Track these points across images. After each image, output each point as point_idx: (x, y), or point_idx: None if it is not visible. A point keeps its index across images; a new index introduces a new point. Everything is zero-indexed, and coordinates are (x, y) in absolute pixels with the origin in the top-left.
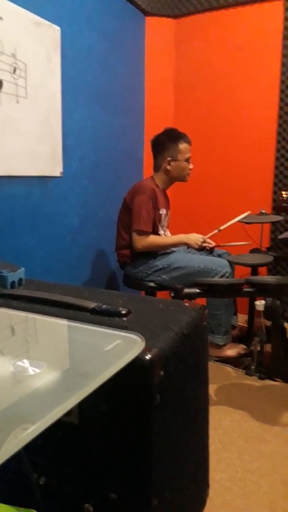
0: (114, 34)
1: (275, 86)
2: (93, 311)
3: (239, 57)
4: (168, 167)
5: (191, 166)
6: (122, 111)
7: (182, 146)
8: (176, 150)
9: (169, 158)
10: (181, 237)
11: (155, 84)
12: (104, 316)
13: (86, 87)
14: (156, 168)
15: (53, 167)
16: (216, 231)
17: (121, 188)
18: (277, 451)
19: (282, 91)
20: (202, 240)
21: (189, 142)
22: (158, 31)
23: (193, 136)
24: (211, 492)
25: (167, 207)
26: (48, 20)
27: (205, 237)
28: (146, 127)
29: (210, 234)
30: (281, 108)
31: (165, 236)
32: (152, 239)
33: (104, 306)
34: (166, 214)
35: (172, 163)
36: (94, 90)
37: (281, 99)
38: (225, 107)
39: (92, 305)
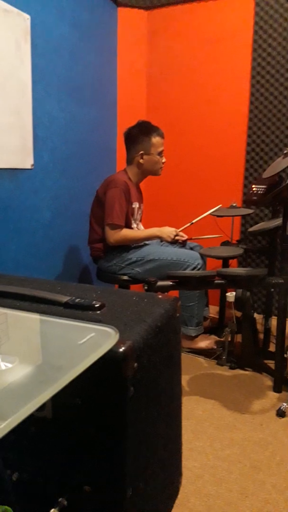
0: (86, 24)
1: (246, 81)
2: (66, 305)
3: (211, 51)
4: (141, 161)
5: (163, 160)
6: (94, 103)
7: (155, 139)
8: (149, 143)
9: (141, 152)
10: (154, 231)
11: (128, 76)
12: (78, 310)
13: (57, 78)
14: (129, 161)
15: (24, 159)
16: (188, 224)
17: (94, 181)
18: (247, 438)
19: (252, 86)
20: (174, 233)
21: (162, 136)
22: (131, 22)
23: (165, 129)
24: (184, 480)
25: (140, 201)
26: (18, 7)
27: (178, 230)
28: (118, 120)
29: (182, 228)
30: (251, 102)
31: (138, 230)
32: (125, 232)
33: (77, 300)
34: (139, 208)
35: (145, 157)
36: (66, 81)
37: (252, 94)
38: (197, 101)
39: (65, 299)
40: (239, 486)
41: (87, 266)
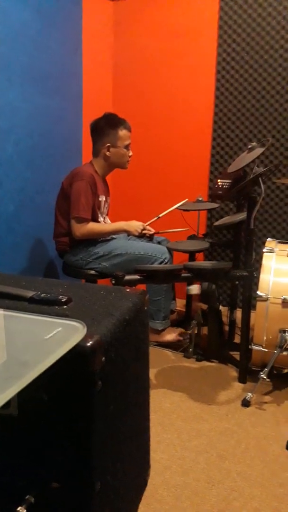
0: (50, 12)
1: (211, 75)
2: (31, 300)
3: (177, 44)
4: (107, 153)
5: (130, 153)
6: (59, 94)
7: (122, 132)
8: (116, 136)
9: (108, 144)
10: (121, 224)
11: (93, 67)
12: (43, 305)
13: (20, 67)
14: (95, 154)
15: None
16: (155, 218)
17: (59, 174)
18: (213, 428)
19: (217, 80)
20: (142, 227)
21: (128, 129)
22: (96, 11)
23: (131, 122)
24: (152, 472)
25: (107, 194)
26: None
27: (145, 224)
28: (84, 111)
29: (149, 222)
30: (217, 97)
31: (105, 223)
32: (92, 226)
33: (42, 295)
34: (106, 201)
35: (112, 150)
36: (29, 70)
37: (217, 88)
38: (163, 94)
39: (30, 294)
40: (206, 476)
41: (52, 261)
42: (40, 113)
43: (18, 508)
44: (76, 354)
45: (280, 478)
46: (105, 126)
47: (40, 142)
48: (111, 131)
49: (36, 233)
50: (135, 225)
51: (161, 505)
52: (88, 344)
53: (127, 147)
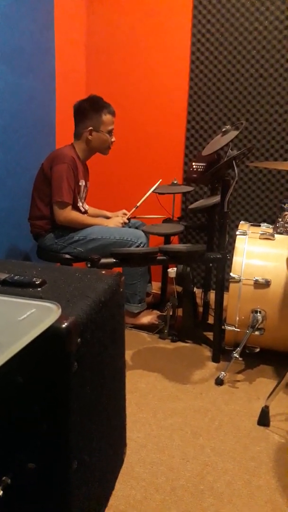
0: None
1: (185, 56)
2: (4, 282)
3: (151, 24)
4: (89, 137)
5: (113, 139)
6: (30, 72)
7: (106, 117)
8: (99, 120)
9: (90, 128)
10: (103, 222)
11: (66, 46)
12: (17, 287)
13: None
14: (77, 136)
15: None
16: (134, 208)
17: (32, 156)
18: (188, 407)
19: (192, 62)
20: (122, 221)
21: (113, 114)
22: None
23: None
24: (128, 450)
25: (86, 179)
26: None
27: (125, 218)
28: (57, 92)
29: (130, 213)
30: (191, 79)
31: (89, 217)
32: (77, 216)
33: (16, 277)
34: (85, 186)
35: (94, 133)
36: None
37: (191, 70)
38: (137, 75)
39: (3, 276)
40: (180, 452)
41: (26, 244)
42: (11, 91)
43: None
44: (51, 336)
45: (252, 452)
46: (89, 109)
47: (12, 122)
48: (95, 114)
49: (8, 216)
50: (116, 221)
51: (137, 481)
52: (64, 325)
53: (110, 132)
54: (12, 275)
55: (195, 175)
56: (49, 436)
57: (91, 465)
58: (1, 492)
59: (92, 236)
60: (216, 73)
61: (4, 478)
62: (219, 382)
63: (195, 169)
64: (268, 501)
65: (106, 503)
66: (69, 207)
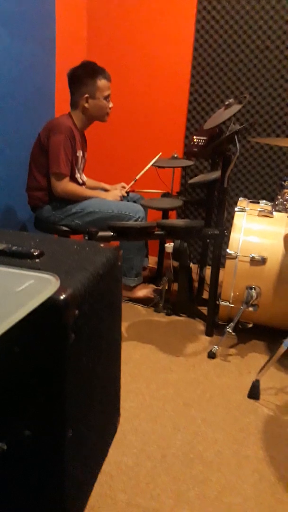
0: None
1: (190, 27)
2: (2, 253)
3: None
4: (86, 105)
5: (110, 104)
6: (30, 37)
7: (101, 82)
8: (94, 86)
9: (86, 95)
10: (101, 195)
11: (66, 10)
12: (15, 258)
13: None
14: (73, 105)
15: None
16: (133, 181)
17: (30, 125)
18: (181, 378)
19: (197, 31)
20: (120, 194)
21: (108, 79)
22: None
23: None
24: (122, 419)
25: (84, 149)
26: None
27: (124, 191)
28: (57, 59)
29: (128, 186)
30: (195, 49)
31: (87, 190)
32: (74, 187)
33: (14, 248)
34: (83, 156)
35: (90, 101)
36: None
37: (196, 40)
38: (139, 43)
39: (0, 246)
40: (172, 422)
41: (23, 215)
42: (11, 57)
43: None
44: (49, 307)
45: (241, 423)
46: (83, 76)
47: (10, 90)
48: (90, 81)
49: (6, 186)
50: (114, 194)
51: (130, 449)
52: (62, 297)
53: (106, 98)
54: (10, 245)
55: (195, 149)
56: (45, 405)
57: (85, 433)
58: None
59: (90, 209)
60: (221, 44)
61: (0, 444)
62: (212, 355)
63: (196, 143)
64: (255, 470)
65: (99, 469)
66: (67, 179)
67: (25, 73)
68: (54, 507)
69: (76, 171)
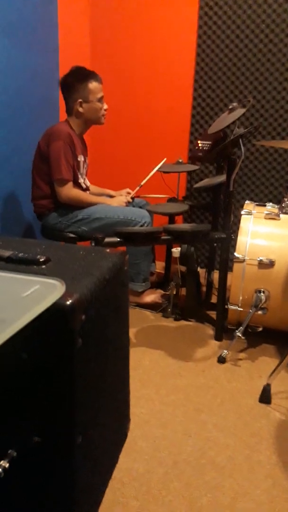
0: None
1: (192, 30)
2: (8, 259)
3: None
4: (80, 109)
5: (105, 106)
6: (34, 47)
7: (92, 85)
8: (86, 90)
9: (80, 100)
10: (106, 201)
11: (69, 18)
12: (21, 265)
13: None
14: (69, 112)
15: None
16: (138, 187)
17: (35, 133)
18: (190, 383)
19: (199, 36)
20: (125, 200)
21: (99, 81)
22: None
23: (110, 78)
24: (132, 425)
25: (85, 154)
26: None
27: (129, 197)
28: (60, 67)
29: (133, 192)
30: (198, 54)
31: (92, 196)
32: (78, 193)
33: (20, 254)
34: (85, 161)
35: (84, 105)
36: (2, 22)
37: (198, 45)
38: (143, 49)
39: (7, 253)
40: (183, 428)
41: (30, 223)
42: (14, 67)
43: (1, 462)
44: (56, 313)
45: (253, 428)
46: (74, 81)
47: (15, 99)
48: (80, 85)
49: (13, 195)
50: (119, 200)
51: (140, 455)
52: (68, 302)
53: (100, 100)
54: (16, 252)
55: (200, 154)
56: (53, 410)
57: (95, 439)
58: (8, 464)
59: (96, 215)
60: (224, 48)
61: (10, 451)
62: (222, 360)
63: (200, 148)
64: (268, 475)
65: (110, 475)
66: (70, 184)
67: (29, 82)
68: None
69: (79, 176)
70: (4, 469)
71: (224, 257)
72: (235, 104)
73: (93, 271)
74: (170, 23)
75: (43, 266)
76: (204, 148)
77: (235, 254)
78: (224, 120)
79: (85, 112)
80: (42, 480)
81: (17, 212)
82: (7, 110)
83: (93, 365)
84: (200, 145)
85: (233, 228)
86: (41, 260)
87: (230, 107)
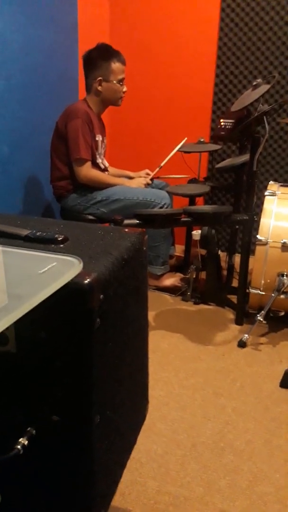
0: None
1: (215, 3)
2: (26, 238)
3: None
4: (99, 88)
5: (124, 89)
6: (52, 25)
7: (115, 65)
8: (108, 69)
9: (100, 78)
10: (125, 182)
11: None
12: (39, 243)
13: None
14: (88, 89)
15: None
16: (158, 168)
17: (55, 113)
18: (210, 367)
19: (222, 10)
20: (145, 182)
21: (123, 62)
22: None
23: (128, 56)
24: (150, 407)
25: (103, 134)
26: None
27: (148, 178)
28: (79, 45)
29: (153, 174)
30: (221, 28)
31: (111, 177)
32: (97, 174)
33: (38, 233)
34: (103, 141)
35: (104, 84)
36: None
37: (221, 19)
38: (163, 25)
39: (25, 232)
40: (202, 411)
41: (50, 205)
42: (33, 45)
43: (20, 439)
44: (74, 292)
45: (273, 413)
46: (97, 58)
47: (34, 78)
48: (103, 63)
49: (32, 176)
50: (138, 182)
51: (159, 437)
52: (86, 281)
53: (120, 81)
54: (34, 231)
55: (223, 133)
56: (72, 390)
57: (113, 419)
58: (26, 441)
59: (115, 196)
60: (248, 22)
61: (29, 429)
62: (242, 344)
63: (223, 126)
64: (287, 460)
65: (128, 456)
66: (88, 164)
67: (48, 60)
68: (82, 492)
69: (97, 156)
70: (23, 446)
71: (246, 240)
72: (259, 80)
73: (111, 251)
74: None
75: (61, 245)
76: (227, 126)
77: (258, 236)
78: (248, 97)
79: (103, 91)
80: (60, 458)
81: (37, 194)
82: (25, 89)
83: (112, 345)
84: (222, 123)
85: (256, 210)
86: (59, 239)
87: (254, 83)
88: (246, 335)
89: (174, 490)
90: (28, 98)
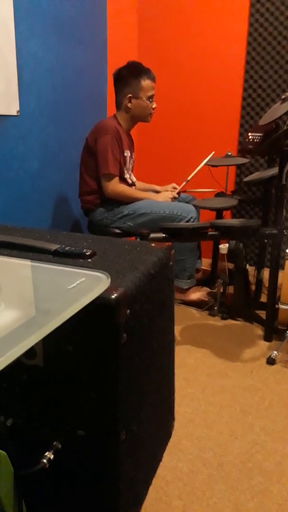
0: None
1: (243, 20)
2: (55, 253)
3: None
4: (129, 105)
5: (154, 105)
6: (82, 44)
7: (145, 82)
8: (138, 86)
9: (130, 95)
10: (151, 196)
11: (118, 14)
12: (68, 258)
13: (42, 15)
14: (118, 106)
15: (9, 104)
16: (184, 182)
17: (83, 129)
18: (237, 384)
19: (250, 25)
20: (171, 196)
21: (153, 79)
22: None
23: (157, 72)
24: (176, 424)
25: (132, 149)
26: None
27: (175, 192)
28: (109, 63)
29: (180, 187)
30: (249, 43)
31: (137, 191)
32: (124, 188)
33: (67, 248)
34: (131, 157)
35: (133, 101)
36: (51, 19)
37: (250, 33)
38: (191, 42)
39: (54, 247)
40: (229, 429)
41: (77, 219)
42: (63, 64)
43: (46, 453)
44: (101, 307)
45: None
46: (128, 75)
47: (64, 95)
48: (134, 80)
49: (61, 191)
50: (165, 196)
51: (185, 455)
52: (113, 296)
53: (150, 98)
54: (63, 246)
55: (251, 146)
56: (98, 405)
57: (139, 436)
58: (52, 455)
59: (142, 210)
60: (277, 36)
61: (55, 442)
62: (271, 361)
63: (251, 140)
64: None
65: (153, 473)
66: (116, 179)
67: (78, 78)
68: (107, 507)
69: (125, 171)
70: (49, 460)
71: (275, 254)
72: (287, 94)
73: (138, 266)
74: (220, 12)
75: (89, 260)
76: (255, 140)
77: (287, 251)
78: (277, 110)
79: (133, 108)
80: (85, 473)
81: (66, 208)
82: (55, 106)
83: (138, 360)
84: (250, 137)
85: (285, 224)
86: (87, 253)
87: (283, 97)
88: (275, 352)
89: (201, 510)
90: (58, 115)
